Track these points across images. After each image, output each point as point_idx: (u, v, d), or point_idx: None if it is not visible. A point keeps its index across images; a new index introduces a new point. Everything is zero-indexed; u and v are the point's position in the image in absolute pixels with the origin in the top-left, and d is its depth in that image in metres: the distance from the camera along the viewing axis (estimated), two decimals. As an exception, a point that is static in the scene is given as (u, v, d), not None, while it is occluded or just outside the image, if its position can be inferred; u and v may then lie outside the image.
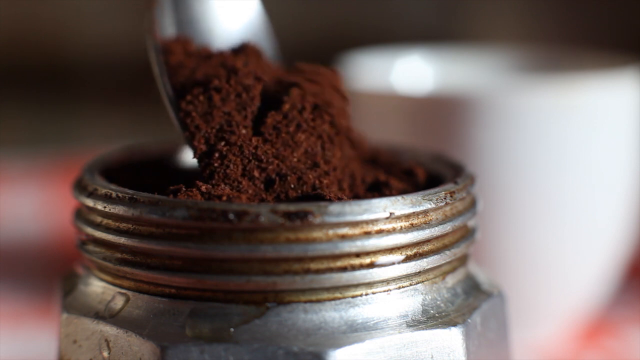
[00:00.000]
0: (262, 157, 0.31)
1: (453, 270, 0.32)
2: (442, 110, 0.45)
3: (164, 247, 0.29)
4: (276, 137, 0.31)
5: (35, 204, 0.70)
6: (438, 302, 0.31)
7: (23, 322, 0.49)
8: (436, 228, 0.30)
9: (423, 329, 0.29)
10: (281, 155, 0.31)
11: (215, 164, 0.31)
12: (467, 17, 1.28)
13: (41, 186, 0.74)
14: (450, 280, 0.31)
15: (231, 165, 0.30)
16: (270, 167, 0.31)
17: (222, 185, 0.30)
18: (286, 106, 0.31)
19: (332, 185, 0.31)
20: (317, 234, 0.29)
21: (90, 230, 0.31)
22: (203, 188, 0.30)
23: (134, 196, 0.30)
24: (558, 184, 0.45)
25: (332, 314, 0.29)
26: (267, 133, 0.31)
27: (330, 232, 0.29)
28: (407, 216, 0.30)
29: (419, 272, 0.30)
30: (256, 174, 0.31)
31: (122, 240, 0.30)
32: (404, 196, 0.30)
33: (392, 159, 0.36)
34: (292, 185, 0.30)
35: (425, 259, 0.30)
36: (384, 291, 0.30)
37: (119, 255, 0.30)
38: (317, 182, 0.31)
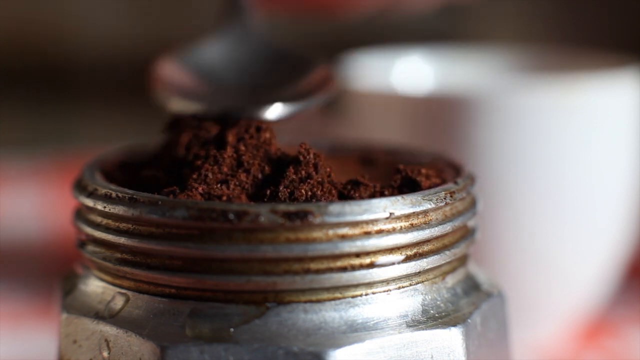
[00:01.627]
0: (243, 159, 0.31)
1: (453, 270, 0.32)
2: (442, 110, 0.45)
3: (164, 247, 0.29)
4: (244, 145, 0.31)
5: (35, 204, 0.70)
6: (438, 302, 0.31)
7: (23, 322, 0.49)
8: (436, 228, 0.30)
9: (423, 329, 0.29)
10: (258, 156, 0.31)
11: (194, 176, 0.31)
12: (467, 17, 1.28)
13: (41, 186, 0.74)
14: (450, 280, 0.31)
15: (209, 174, 0.30)
16: (253, 168, 0.31)
17: (221, 186, 0.30)
18: (241, 122, 0.32)
19: (327, 195, 0.31)
20: (317, 234, 0.29)
21: (90, 230, 0.31)
22: (200, 189, 0.30)
23: (134, 196, 0.30)
24: (558, 184, 0.45)
25: (332, 314, 0.29)
26: (234, 148, 0.31)
27: (330, 232, 0.29)
28: (407, 216, 0.30)
29: (419, 272, 0.30)
30: (243, 177, 0.31)
31: (122, 240, 0.30)
32: (404, 196, 0.30)
33: (390, 159, 0.36)
34: (284, 201, 0.30)
35: (425, 259, 0.30)
36: (384, 291, 0.30)
37: (119, 255, 0.30)
38: (309, 194, 0.30)
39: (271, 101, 0.33)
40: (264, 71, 0.38)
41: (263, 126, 0.32)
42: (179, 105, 0.34)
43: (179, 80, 0.36)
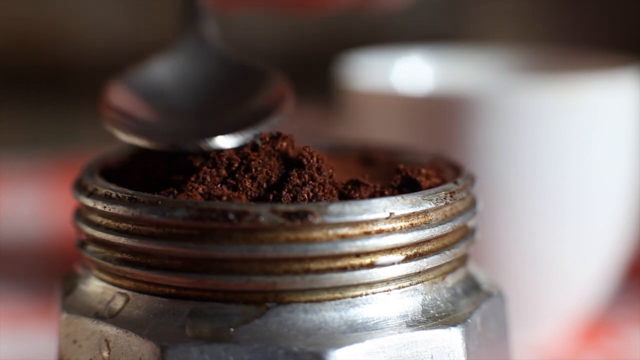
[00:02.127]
0: (252, 165, 0.31)
1: (453, 270, 0.32)
2: (442, 110, 0.45)
3: (164, 247, 0.29)
4: (256, 151, 0.31)
5: (35, 204, 0.70)
6: (438, 302, 0.31)
7: (23, 322, 0.49)
8: (436, 228, 0.30)
9: (423, 329, 0.29)
10: (268, 164, 0.31)
11: (192, 178, 0.31)
12: (467, 17, 1.28)
13: (41, 186, 0.74)
14: (450, 280, 0.31)
15: (208, 177, 0.30)
16: (260, 175, 0.31)
17: (221, 186, 0.30)
18: (262, 134, 0.32)
19: (328, 195, 0.31)
20: (317, 234, 0.29)
21: (90, 230, 0.31)
22: (200, 189, 0.30)
23: (134, 196, 0.30)
24: (558, 184, 0.45)
25: (332, 314, 0.29)
26: (248, 153, 0.31)
27: (330, 232, 0.29)
28: (407, 216, 0.30)
29: (419, 272, 0.30)
30: (248, 184, 0.31)
31: (122, 240, 0.30)
32: (404, 196, 0.30)
33: (390, 159, 0.36)
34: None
35: (425, 259, 0.30)
36: (384, 291, 0.30)
37: (119, 255, 0.30)
38: (310, 195, 0.30)
39: (220, 129, 0.32)
40: (217, 89, 0.36)
41: (281, 134, 0.32)
42: (125, 138, 0.33)
43: (126, 107, 0.35)
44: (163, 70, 0.37)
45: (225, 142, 0.32)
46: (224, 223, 0.28)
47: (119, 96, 0.35)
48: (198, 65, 0.37)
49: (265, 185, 0.31)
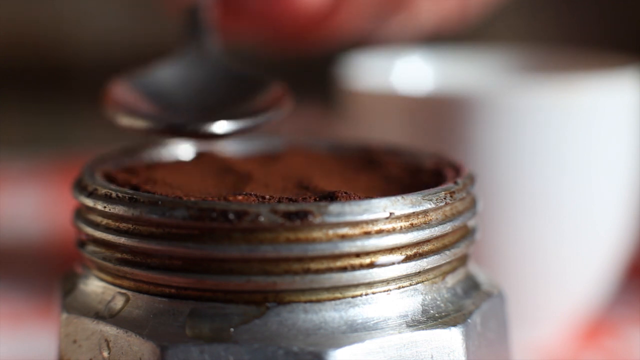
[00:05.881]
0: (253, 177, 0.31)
1: (453, 270, 0.32)
2: (442, 110, 0.45)
3: (164, 247, 0.29)
4: (264, 166, 0.31)
5: (35, 204, 0.70)
6: (438, 302, 0.31)
7: (23, 322, 0.49)
8: (436, 228, 0.30)
9: (423, 329, 0.29)
10: (271, 178, 0.31)
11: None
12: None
13: (41, 186, 0.74)
14: (450, 280, 0.31)
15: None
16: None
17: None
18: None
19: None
20: (317, 234, 0.29)
21: (90, 230, 0.31)
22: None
23: (134, 196, 0.30)
24: (558, 184, 0.45)
25: (332, 314, 0.29)
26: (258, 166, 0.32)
27: (330, 232, 0.29)
28: (407, 216, 0.30)
29: (419, 272, 0.30)
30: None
31: (122, 240, 0.30)
32: (404, 196, 0.30)
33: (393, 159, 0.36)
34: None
35: (425, 259, 0.30)
36: (384, 291, 0.30)
37: (119, 255, 0.30)
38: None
39: (219, 118, 0.34)
40: (217, 92, 0.38)
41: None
42: (125, 121, 0.34)
43: (128, 99, 0.36)
44: (165, 74, 0.38)
45: (220, 127, 0.33)
46: (224, 223, 0.28)
47: (122, 91, 0.36)
48: (198, 73, 0.39)
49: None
